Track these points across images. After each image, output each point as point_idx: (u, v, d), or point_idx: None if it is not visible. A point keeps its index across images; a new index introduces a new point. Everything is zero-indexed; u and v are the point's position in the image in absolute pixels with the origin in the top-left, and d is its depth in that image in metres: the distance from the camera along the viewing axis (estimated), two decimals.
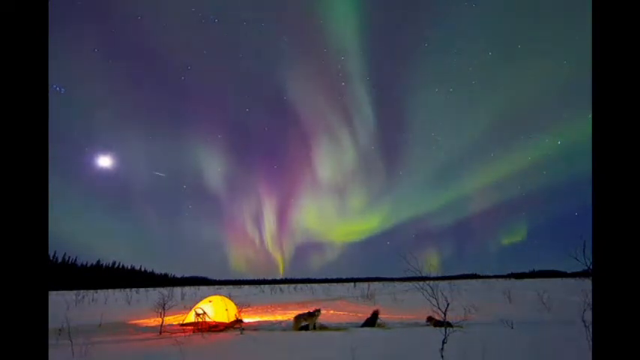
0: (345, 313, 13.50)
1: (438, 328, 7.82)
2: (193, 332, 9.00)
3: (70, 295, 30.38)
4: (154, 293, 30.38)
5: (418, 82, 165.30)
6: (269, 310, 15.32)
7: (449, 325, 5.57)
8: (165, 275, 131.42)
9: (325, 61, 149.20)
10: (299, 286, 59.75)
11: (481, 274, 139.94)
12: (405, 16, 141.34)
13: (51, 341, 7.42)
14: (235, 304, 10.89)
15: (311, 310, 9.84)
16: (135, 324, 11.36)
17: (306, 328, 9.24)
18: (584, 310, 5.68)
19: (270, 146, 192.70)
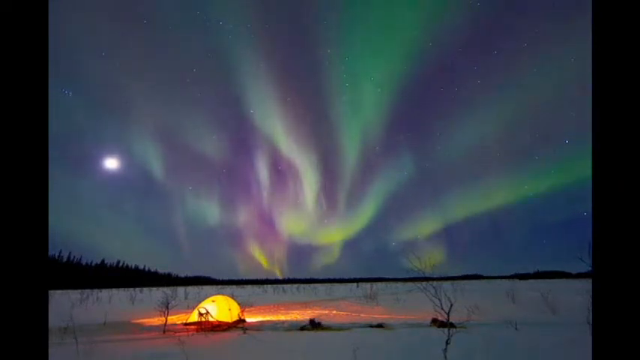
0: (348, 313, 13.47)
1: (441, 328, 7.80)
2: (196, 332, 9.03)
3: (74, 294, 30.66)
4: (158, 293, 30.56)
5: (422, 82, 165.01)
6: (272, 310, 15.35)
7: (452, 325, 5.54)
8: (169, 275, 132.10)
9: (329, 62, 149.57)
10: (302, 286, 59.73)
11: (485, 275, 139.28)
12: (409, 16, 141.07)
13: (56, 340, 7.50)
14: (238, 304, 10.92)
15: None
16: (139, 323, 11.43)
17: (308, 328, 9.24)
18: (589, 312, 5.62)
19: (273, 147, 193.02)
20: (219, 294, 12.89)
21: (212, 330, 9.18)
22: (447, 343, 4.75)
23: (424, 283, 5.83)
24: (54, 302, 18.84)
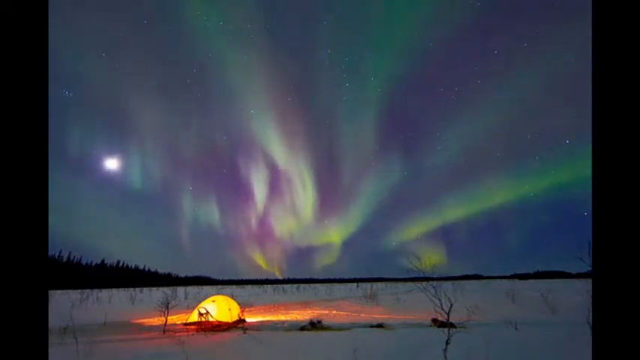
0: (348, 313, 13.47)
1: (441, 328, 7.79)
2: (196, 332, 9.03)
3: (74, 294, 30.67)
4: (158, 293, 30.55)
5: (422, 82, 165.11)
6: (272, 310, 15.35)
7: (452, 325, 5.54)
8: (169, 275, 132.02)
9: (329, 62, 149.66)
10: (302, 286, 59.71)
11: (485, 275, 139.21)
12: (409, 16, 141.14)
13: (56, 340, 7.50)
14: (238, 304, 10.93)
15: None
16: (139, 323, 11.43)
17: (308, 328, 9.24)
18: (589, 312, 5.61)
19: (273, 147, 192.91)
20: (219, 294, 12.89)
21: (212, 330, 9.18)
22: (447, 343, 4.75)
23: (424, 283, 5.83)
24: (54, 302, 18.84)
